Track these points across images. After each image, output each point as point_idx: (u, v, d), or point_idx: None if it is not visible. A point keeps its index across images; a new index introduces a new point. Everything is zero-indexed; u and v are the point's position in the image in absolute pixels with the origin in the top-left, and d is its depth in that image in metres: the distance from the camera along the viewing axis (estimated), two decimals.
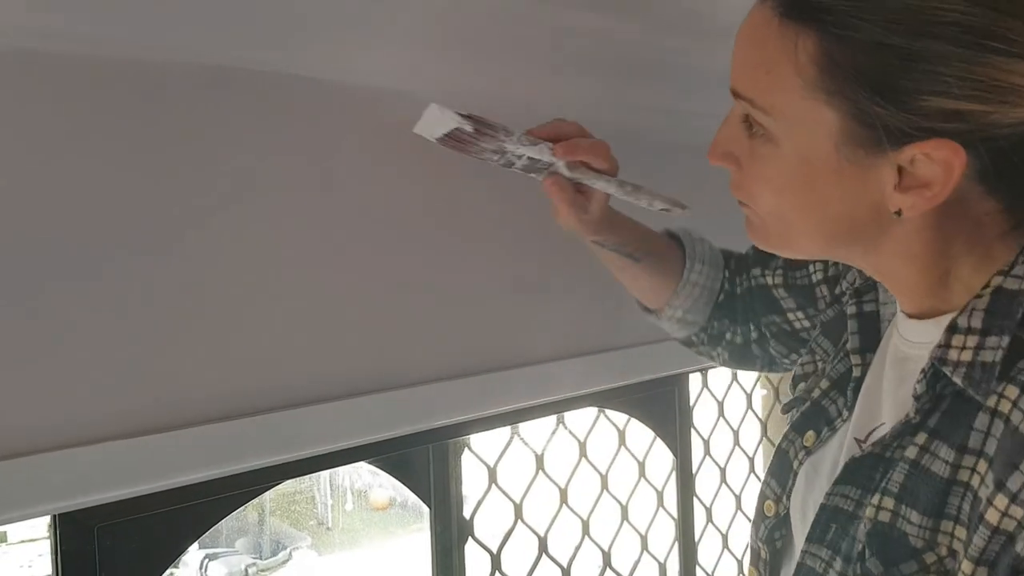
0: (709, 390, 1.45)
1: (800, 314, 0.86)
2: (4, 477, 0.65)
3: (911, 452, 0.57)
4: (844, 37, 0.52)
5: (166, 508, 0.78)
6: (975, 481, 0.53)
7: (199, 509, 0.82)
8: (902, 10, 0.51)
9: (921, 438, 0.57)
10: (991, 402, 0.54)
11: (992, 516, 0.50)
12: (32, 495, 0.66)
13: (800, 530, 0.69)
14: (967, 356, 0.55)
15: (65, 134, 0.68)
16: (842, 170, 0.56)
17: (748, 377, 1.58)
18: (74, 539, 0.74)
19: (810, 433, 0.71)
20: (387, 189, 0.88)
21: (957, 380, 0.56)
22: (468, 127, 0.77)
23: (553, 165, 0.81)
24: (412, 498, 1.02)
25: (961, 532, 0.53)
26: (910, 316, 0.64)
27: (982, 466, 0.53)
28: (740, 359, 0.95)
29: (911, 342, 0.64)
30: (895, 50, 0.51)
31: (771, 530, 0.73)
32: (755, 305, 0.90)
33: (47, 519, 0.72)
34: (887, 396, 0.65)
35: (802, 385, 0.78)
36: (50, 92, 0.67)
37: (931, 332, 0.61)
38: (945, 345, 0.57)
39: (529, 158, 0.80)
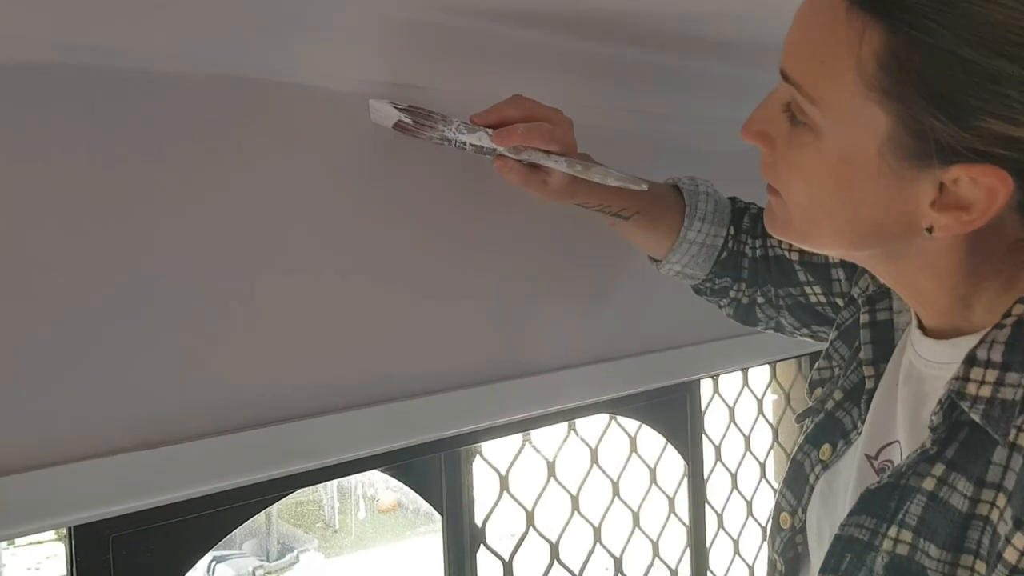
0: (720, 396, 1.45)
1: (817, 288, 0.84)
2: (20, 490, 0.65)
3: (928, 484, 0.56)
4: (915, 39, 0.49)
5: (181, 518, 0.78)
6: (994, 515, 0.52)
7: (214, 518, 0.82)
8: (984, 23, 0.47)
9: (939, 470, 0.56)
10: (1011, 436, 0.52)
11: (1011, 555, 0.49)
12: (48, 508, 0.66)
13: (815, 549, 0.69)
14: (986, 392, 0.54)
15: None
16: (880, 176, 0.54)
17: (759, 383, 1.57)
18: (89, 549, 0.74)
19: (826, 446, 0.70)
20: (398, 198, 0.88)
21: (975, 417, 0.54)
22: (407, 119, 0.80)
23: (497, 149, 0.81)
24: (418, 501, 1.02)
25: (981, 567, 0.52)
26: (925, 332, 0.63)
27: (1001, 500, 0.52)
28: (745, 317, 0.94)
29: (926, 360, 0.62)
30: (967, 64, 0.48)
31: (787, 543, 0.72)
32: (770, 273, 0.88)
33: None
34: (900, 413, 0.64)
35: (818, 391, 0.76)
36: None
37: (947, 353, 0.59)
38: (963, 378, 0.55)
39: (472, 145, 0.81)
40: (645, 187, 0.79)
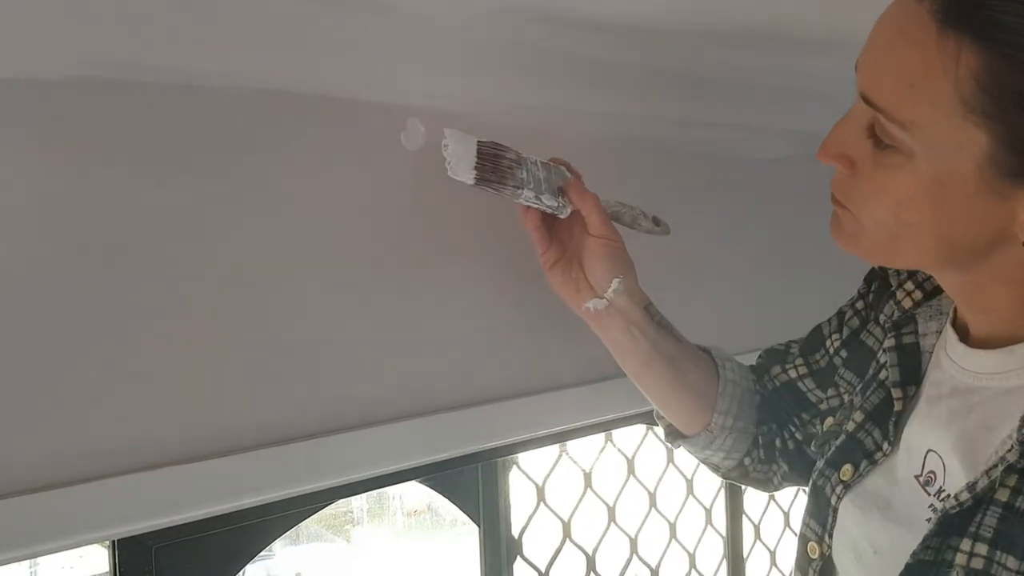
0: None
1: (829, 393, 0.82)
2: (66, 503, 0.65)
3: (1002, 495, 0.55)
4: (1015, 57, 0.48)
5: (223, 528, 0.79)
6: None
7: (255, 529, 0.82)
8: None
9: (1012, 479, 0.55)
10: None
11: None
12: (93, 521, 0.67)
13: (851, 569, 0.67)
14: None
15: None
16: (977, 195, 0.53)
17: None
18: (133, 558, 0.75)
19: (847, 467, 0.68)
20: (437, 211, 0.88)
21: None
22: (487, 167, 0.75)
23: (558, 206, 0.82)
24: (447, 503, 1.02)
25: None
26: (972, 345, 0.62)
27: None
28: (801, 465, 0.87)
29: (975, 372, 0.61)
30: None
31: (819, 571, 0.70)
32: (786, 404, 0.87)
33: None
34: (937, 427, 0.62)
35: (830, 420, 0.76)
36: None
37: (1001, 362, 0.59)
38: None
39: (548, 203, 0.80)
40: (669, 230, 0.84)
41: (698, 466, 1.32)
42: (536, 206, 0.80)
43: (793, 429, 0.88)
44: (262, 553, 0.84)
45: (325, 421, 0.80)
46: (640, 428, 1.23)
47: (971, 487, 0.56)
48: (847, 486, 0.68)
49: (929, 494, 0.62)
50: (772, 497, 1.49)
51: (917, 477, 0.63)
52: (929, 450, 0.63)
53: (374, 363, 0.84)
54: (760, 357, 0.91)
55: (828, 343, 0.82)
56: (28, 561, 0.68)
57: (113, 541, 0.73)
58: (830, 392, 0.82)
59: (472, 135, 0.76)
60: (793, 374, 0.86)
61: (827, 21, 0.87)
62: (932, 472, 0.62)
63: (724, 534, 1.38)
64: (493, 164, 0.76)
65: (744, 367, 0.90)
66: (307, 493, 0.81)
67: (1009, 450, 0.55)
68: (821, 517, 0.70)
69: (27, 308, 0.64)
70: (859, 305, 0.81)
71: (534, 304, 0.97)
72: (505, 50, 0.85)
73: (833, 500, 0.69)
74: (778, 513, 1.51)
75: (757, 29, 0.92)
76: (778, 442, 0.89)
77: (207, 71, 0.72)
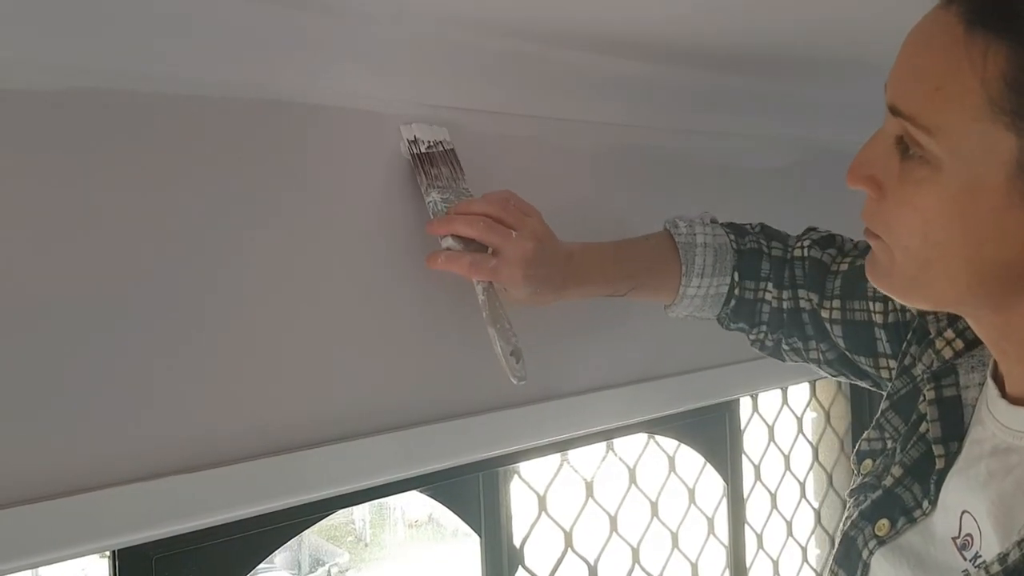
0: (759, 414, 1.43)
1: (854, 347, 0.81)
2: (65, 514, 0.65)
3: None
4: None
5: (223, 539, 0.78)
6: None
7: (255, 539, 0.82)
8: None
9: None
10: None
11: None
12: (93, 531, 0.67)
13: None
14: None
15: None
16: (1010, 205, 0.50)
17: (799, 401, 1.55)
18: (133, 568, 0.74)
19: (883, 522, 0.66)
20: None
21: None
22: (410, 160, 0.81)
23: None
24: (448, 514, 1.02)
25: None
26: (1012, 401, 0.59)
27: None
28: (772, 354, 0.91)
29: (1015, 431, 0.58)
30: None
31: None
32: (799, 327, 0.85)
33: None
34: (976, 488, 0.60)
35: (868, 463, 0.72)
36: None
37: None
38: None
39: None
40: (515, 382, 0.78)
41: (700, 475, 1.32)
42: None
43: (780, 336, 0.87)
44: (263, 564, 0.84)
45: (325, 430, 0.80)
46: (642, 437, 1.23)
47: (1002, 559, 0.54)
48: (881, 541, 0.66)
49: (965, 559, 0.60)
50: (775, 507, 1.49)
51: (955, 539, 0.61)
52: (964, 511, 0.60)
53: (374, 372, 0.84)
54: (803, 257, 0.85)
55: (871, 304, 0.78)
56: (29, 572, 0.67)
57: (113, 551, 0.72)
58: (862, 350, 0.80)
59: (443, 132, 0.80)
60: (826, 315, 0.82)
61: (828, 44, 0.88)
62: (969, 535, 0.60)
63: (726, 543, 1.37)
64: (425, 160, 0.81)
65: (724, 266, 0.87)
66: (308, 503, 0.81)
67: None
68: (850, 568, 0.68)
69: (24, 318, 0.64)
70: (891, 319, 0.78)
71: (534, 312, 0.97)
72: (505, 60, 0.86)
73: (865, 555, 0.66)
74: (781, 523, 1.51)
75: (759, 52, 0.92)
76: (751, 337, 0.90)
77: (200, 80, 0.72)
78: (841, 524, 0.72)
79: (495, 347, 0.78)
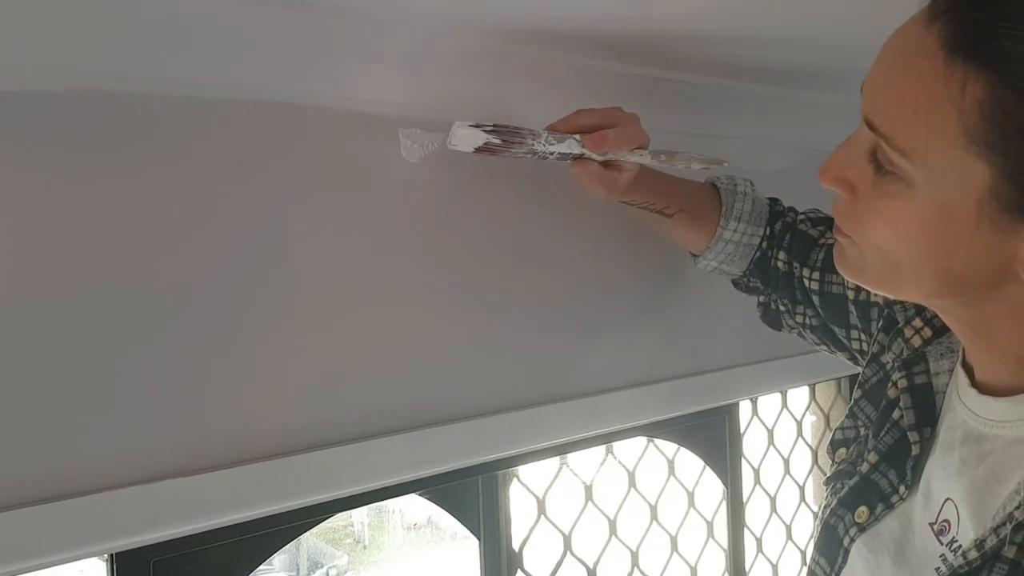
0: (759, 417, 1.42)
1: (830, 317, 0.85)
2: (64, 517, 0.65)
3: (1010, 551, 0.53)
4: (1022, 89, 0.46)
5: (222, 542, 0.78)
6: None
7: (254, 543, 0.81)
8: None
9: (1020, 536, 0.53)
10: None
11: None
12: (91, 534, 0.67)
13: None
14: None
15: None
16: (978, 229, 0.51)
17: (798, 404, 1.54)
18: (131, 572, 0.74)
19: (862, 509, 0.67)
20: (435, 222, 0.88)
21: None
22: (496, 140, 0.79)
23: (584, 154, 0.82)
24: (447, 517, 1.01)
25: None
26: (981, 390, 0.60)
27: None
28: (772, 322, 0.96)
29: (986, 419, 0.59)
30: None
31: None
32: (791, 291, 0.89)
33: None
34: (951, 475, 0.61)
35: (842, 451, 0.74)
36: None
37: (1009, 410, 0.57)
38: None
39: (560, 154, 0.82)
40: (726, 163, 0.82)
41: (699, 479, 1.32)
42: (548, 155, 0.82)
43: (780, 301, 0.91)
44: (261, 566, 0.83)
45: (323, 434, 0.80)
46: (641, 440, 1.23)
47: (979, 545, 0.55)
48: (861, 528, 0.66)
49: (942, 543, 0.60)
50: (775, 511, 1.49)
51: (932, 525, 0.62)
52: (947, 499, 0.61)
53: (373, 375, 0.84)
54: (796, 225, 0.91)
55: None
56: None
57: (112, 554, 0.72)
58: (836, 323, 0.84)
59: (441, 137, 0.80)
60: (808, 283, 0.86)
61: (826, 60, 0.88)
62: (947, 521, 0.61)
63: (726, 547, 1.36)
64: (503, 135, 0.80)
65: (760, 217, 0.92)
66: (306, 507, 0.81)
67: (1017, 507, 0.53)
68: (831, 556, 0.69)
69: (23, 320, 0.64)
70: (862, 296, 0.80)
71: (535, 316, 0.97)
72: (505, 59, 0.86)
73: (846, 542, 0.67)
74: (780, 526, 1.51)
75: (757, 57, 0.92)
76: (762, 296, 0.95)
77: (202, 82, 0.72)
78: (820, 512, 0.73)
79: (692, 164, 0.83)
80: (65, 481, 0.65)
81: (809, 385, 1.51)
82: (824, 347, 0.90)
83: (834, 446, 0.75)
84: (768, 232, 0.91)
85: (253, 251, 0.76)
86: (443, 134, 0.79)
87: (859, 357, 0.84)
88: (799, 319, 0.90)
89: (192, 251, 0.72)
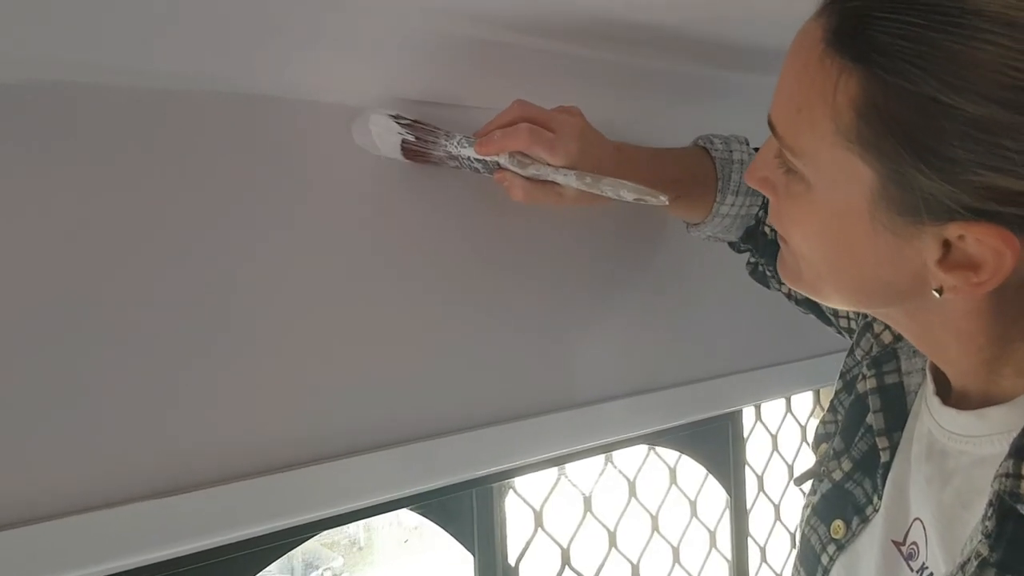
0: (763, 423, 1.39)
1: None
2: (45, 539, 0.62)
3: None
4: (893, 85, 0.43)
5: (207, 562, 0.75)
6: None
7: (241, 561, 0.78)
8: (970, 66, 0.41)
9: (990, 573, 0.49)
10: None
11: None
12: (74, 557, 0.63)
13: None
14: None
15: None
16: (875, 233, 0.48)
17: (802, 409, 1.51)
18: None
19: (838, 523, 0.64)
20: (421, 224, 0.84)
21: None
22: (409, 135, 0.74)
23: (500, 163, 0.74)
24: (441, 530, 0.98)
25: None
26: (945, 401, 0.57)
27: None
28: (760, 280, 0.92)
29: (950, 432, 0.56)
30: (952, 111, 0.42)
31: None
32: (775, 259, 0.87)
33: None
34: (921, 492, 0.58)
35: (823, 447, 0.71)
36: None
37: (973, 425, 0.54)
38: (1015, 475, 0.48)
39: (477, 159, 0.75)
40: (665, 200, 0.72)
41: (702, 487, 1.29)
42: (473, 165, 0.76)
43: (768, 265, 0.88)
44: None
45: (312, 450, 0.76)
46: (642, 448, 1.20)
47: None
48: (840, 546, 0.63)
49: (912, 570, 0.57)
50: (779, 518, 1.45)
51: (899, 545, 0.59)
52: (916, 518, 0.58)
53: (363, 388, 0.80)
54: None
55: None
56: None
57: None
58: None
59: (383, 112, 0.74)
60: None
61: None
62: (915, 544, 0.58)
63: (729, 557, 1.33)
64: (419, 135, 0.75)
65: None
66: (294, 526, 0.77)
67: (980, 541, 0.50)
68: (810, 569, 0.66)
69: (18, 329, 0.61)
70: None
71: (530, 325, 0.93)
72: (482, 49, 0.82)
73: (825, 560, 0.64)
74: (785, 535, 1.47)
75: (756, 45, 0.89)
76: (752, 260, 0.91)
77: (164, 73, 0.68)
78: (800, 516, 0.70)
79: (621, 193, 0.71)
80: (58, 500, 0.63)
81: (813, 391, 1.48)
82: (812, 316, 0.87)
83: (817, 441, 0.72)
84: (765, 200, 0.86)
85: (242, 261, 0.72)
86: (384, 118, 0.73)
87: (845, 335, 0.80)
88: (784, 288, 0.87)
89: (180, 261, 0.69)
